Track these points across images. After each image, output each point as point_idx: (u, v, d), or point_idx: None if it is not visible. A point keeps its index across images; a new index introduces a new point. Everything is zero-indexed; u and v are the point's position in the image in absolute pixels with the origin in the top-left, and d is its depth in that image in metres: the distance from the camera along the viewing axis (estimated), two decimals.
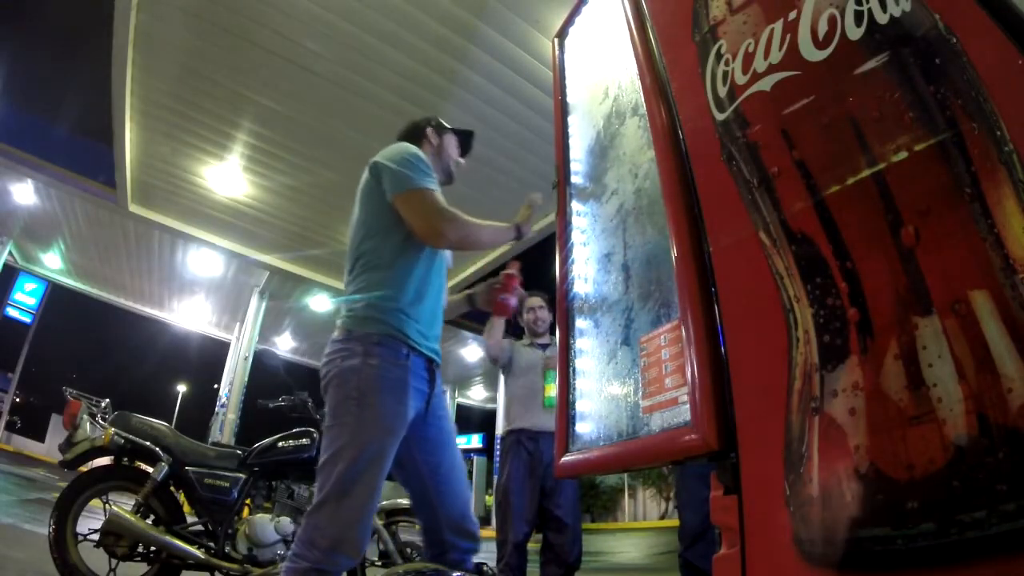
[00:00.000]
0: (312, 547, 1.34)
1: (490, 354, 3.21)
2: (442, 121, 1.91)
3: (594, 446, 1.25)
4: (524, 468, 2.91)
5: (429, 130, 1.86)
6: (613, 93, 1.50)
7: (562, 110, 1.77)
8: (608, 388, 1.27)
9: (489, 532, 2.87)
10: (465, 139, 1.96)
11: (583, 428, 1.31)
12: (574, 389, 1.37)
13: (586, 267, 1.48)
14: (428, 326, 1.59)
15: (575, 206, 1.61)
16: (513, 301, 1.92)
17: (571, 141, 1.71)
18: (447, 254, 1.76)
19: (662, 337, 1.10)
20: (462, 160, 1.93)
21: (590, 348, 1.38)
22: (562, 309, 1.49)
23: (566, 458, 1.30)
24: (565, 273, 1.52)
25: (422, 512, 1.60)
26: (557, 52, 1.88)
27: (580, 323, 1.44)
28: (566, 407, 1.36)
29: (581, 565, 2.87)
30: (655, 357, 1.10)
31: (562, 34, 1.89)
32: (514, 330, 3.43)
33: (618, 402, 1.22)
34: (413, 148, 1.68)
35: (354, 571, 2.90)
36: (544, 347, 3.19)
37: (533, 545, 2.92)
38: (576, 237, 1.56)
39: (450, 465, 1.60)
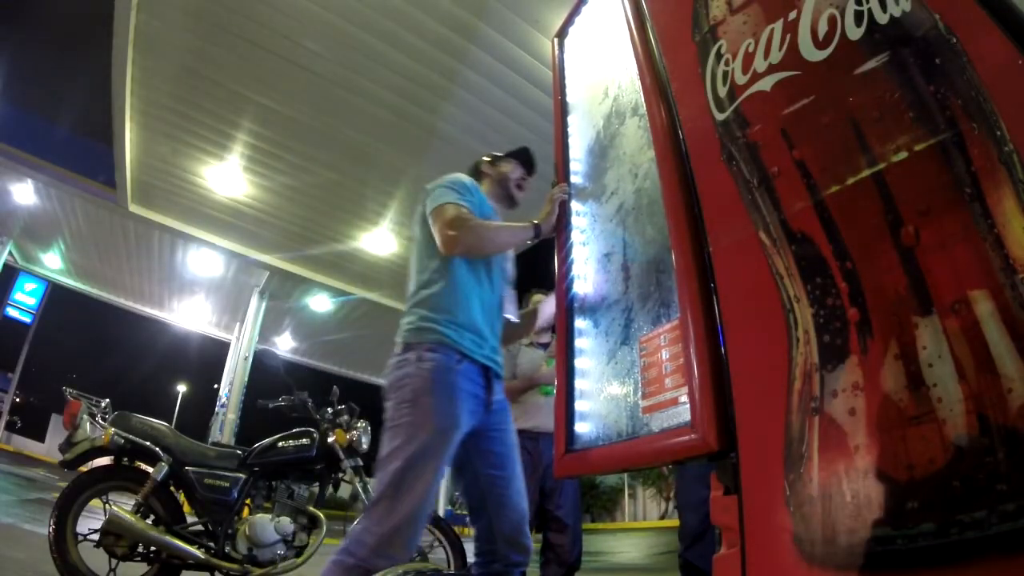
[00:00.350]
0: (361, 545, 1.38)
1: None
2: (495, 153, 2.02)
3: (594, 446, 1.25)
4: (525, 469, 2.91)
5: (484, 165, 1.99)
6: (613, 93, 1.50)
7: (562, 110, 1.77)
8: (608, 388, 1.27)
9: None
10: (525, 158, 2.02)
11: (583, 428, 1.31)
12: (574, 389, 1.37)
13: (586, 267, 1.48)
14: (482, 335, 1.63)
15: (575, 206, 1.61)
16: None
17: (571, 141, 1.71)
18: (506, 266, 1.82)
19: (662, 337, 1.10)
20: (528, 177, 2.00)
21: (590, 348, 1.38)
22: (562, 309, 1.49)
23: (566, 457, 1.30)
24: (565, 272, 1.52)
25: (478, 520, 1.63)
26: (557, 52, 1.88)
27: (580, 323, 1.44)
28: (566, 406, 1.36)
29: (581, 565, 2.87)
30: (655, 357, 1.10)
31: (562, 34, 1.89)
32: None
33: (618, 402, 1.21)
34: (456, 174, 1.78)
35: None
36: (544, 346, 3.19)
37: (534, 545, 2.92)
38: (576, 237, 1.56)
39: (509, 478, 1.64)
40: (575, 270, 1.51)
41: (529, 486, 2.88)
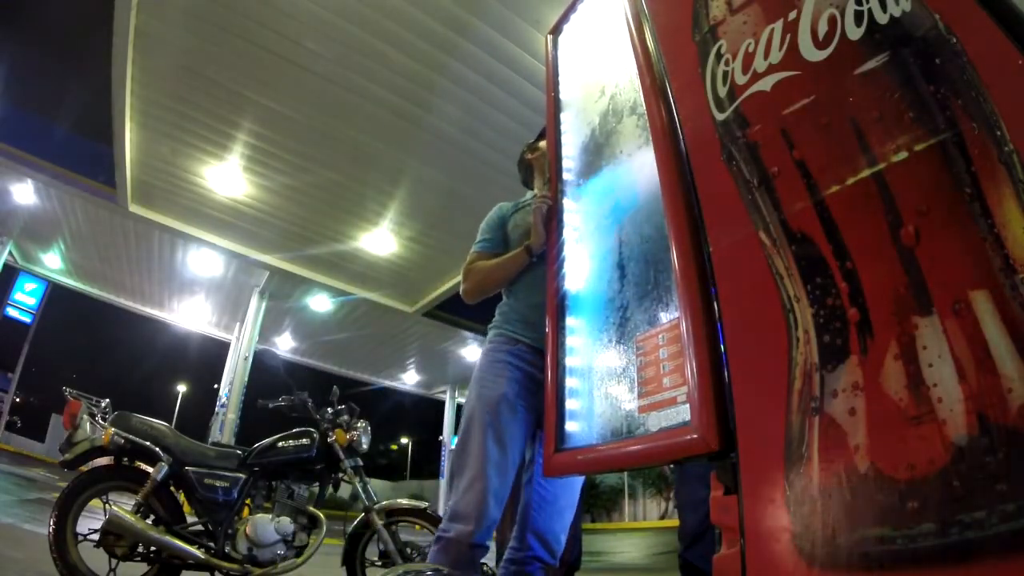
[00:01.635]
0: (444, 517, 1.55)
1: None
2: (529, 140, 2.17)
3: (587, 445, 1.24)
4: None
5: (526, 155, 2.12)
6: (610, 91, 1.49)
7: (555, 107, 1.76)
8: (601, 387, 1.26)
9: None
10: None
11: (574, 427, 1.30)
12: (565, 387, 1.37)
13: (579, 264, 1.48)
14: (538, 324, 1.70)
15: (567, 203, 1.60)
16: None
17: (565, 138, 1.70)
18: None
19: (660, 336, 1.10)
20: None
21: (582, 346, 1.38)
22: (552, 306, 1.49)
23: (556, 456, 1.29)
24: (556, 270, 1.52)
25: (522, 512, 1.68)
26: (551, 49, 1.88)
27: (572, 321, 1.43)
28: (556, 404, 1.35)
29: (581, 565, 2.86)
30: (652, 356, 1.10)
31: (556, 31, 1.88)
32: None
33: (612, 401, 1.21)
34: (489, 214, 1.97)
35: (353, 570, 2.90)
36: None
37: None
38: (568, 234, 1.56)
39: (564, 482, 1.69)
40: (567, 267, 1.51)
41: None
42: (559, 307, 1.47)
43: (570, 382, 1.36)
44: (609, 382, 1.24)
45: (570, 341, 1.41)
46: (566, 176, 1.64)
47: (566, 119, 1.72)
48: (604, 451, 1.18)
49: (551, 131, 1.74)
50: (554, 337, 1.44)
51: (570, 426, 1.32)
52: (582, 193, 1.56)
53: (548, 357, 1.43)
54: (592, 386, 1.30)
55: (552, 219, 1.64)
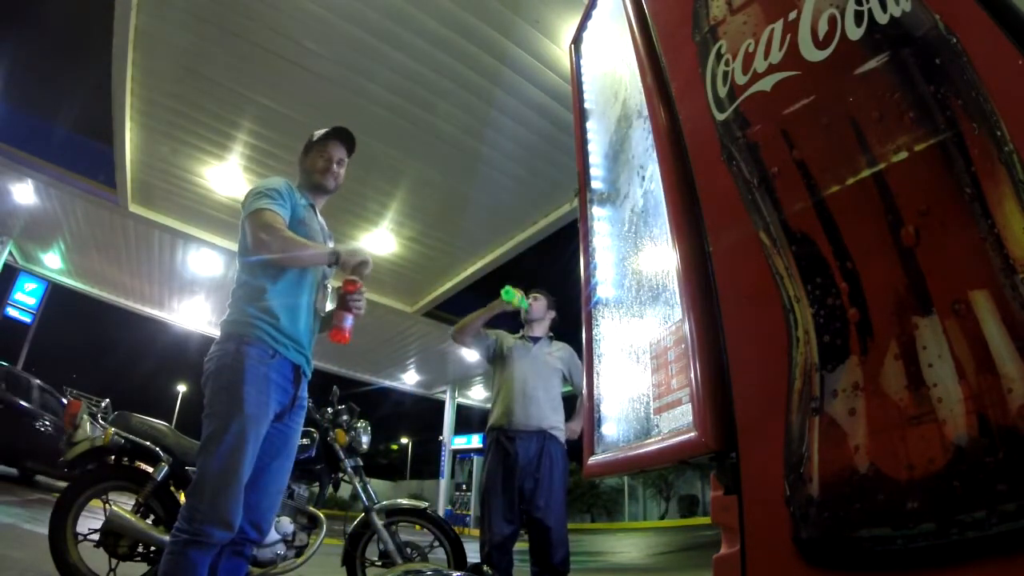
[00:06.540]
0: (190, 521, 1.55)
1: (464, 343, 3.21)
2: (312, 136, 2.06)
3: (615, 448, 1.27)
4: (502, 468, 2.88)
5: (301, 155, 2.09)
6: (622, 96, 1.50)
7: (581, 117, 1.77)
8: (626, 391, 1.28)
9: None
10: (340, 135, 2.05)
11: (606, 430, 1.34)
12: (599, 392, 1.38)
13: (606, 272, 1.49)
14: (294, 338, 1.80)
15: (596, 211, 1.61)
16: (348, 322, 1.88)
17: (590, 147, 1.72)
18: (321, 271, 1.96)
19: (668, 338, 1.10)
20: (337, 156, 2.04)
21: (610, 351, 1.40)
22: (586, 313, 1.51)
23: (592, 460, 1.32)
24: (588, 277, 1.54)
25: (246, 496, 1.76)
26: (574, 58, 1.88)
27: (602, 328, 1.46)
28: (592, 410, 1.38)
29: (570, 568, 2.82)
30: (662, 359, 1.11)
31: (577, 40, 1.89)
32: (512, 324, 3.41)
33: (634, 404, 1.23)
34: (273, 180, 1.90)
35: (353, 570, 2.90)
36: (535, 340, 3.16)
37: (524, 545, 2.90)
38: (596, 242, 1.57)
39: (274, 469, 1.80)
40: (597, 276, 1.52)
41: (508, 486, 2.85)
42: (591, 315, 1.49)
43: (602, 387, 1.39)
44: (632, 386, 1.25)
45: (602, 348, 1.43)
46: (593, 184, 1.65)
47: (590, 127, 1.73)
48: (625, 454, 1.20)
49: (578, 142, 1.75)
50: (588, 343, 1.47)
51: (603, 430, 1.36)
52: (606, 200, 1.57)
53: (585, 364, 1.48)
54: (619, 391, 1.33)
55: (584, 218, 1.66)
